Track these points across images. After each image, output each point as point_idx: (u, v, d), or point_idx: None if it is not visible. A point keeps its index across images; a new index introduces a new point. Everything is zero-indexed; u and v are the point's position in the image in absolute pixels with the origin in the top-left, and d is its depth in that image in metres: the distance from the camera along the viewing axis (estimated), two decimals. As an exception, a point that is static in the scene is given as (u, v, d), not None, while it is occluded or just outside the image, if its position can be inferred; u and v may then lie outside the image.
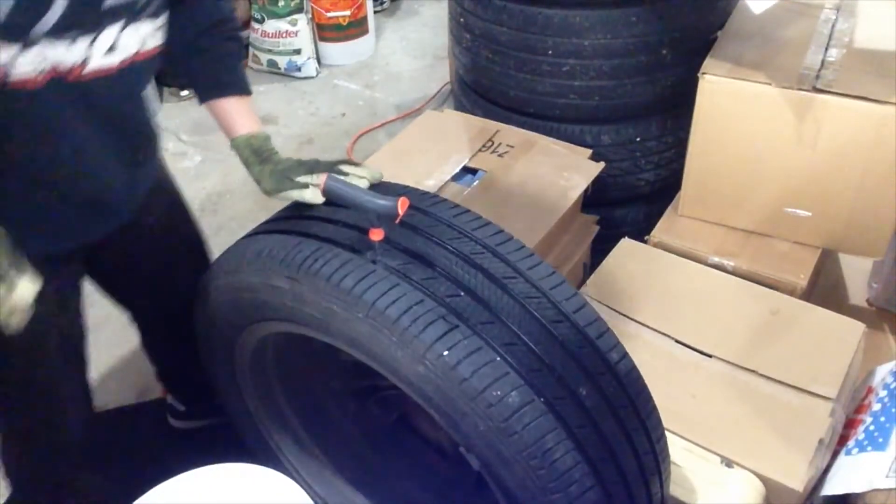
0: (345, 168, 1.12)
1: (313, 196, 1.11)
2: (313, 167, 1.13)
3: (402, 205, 0.96)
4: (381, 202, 0.97)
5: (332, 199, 1.02)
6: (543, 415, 0.89)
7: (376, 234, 0.98)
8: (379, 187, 1.13)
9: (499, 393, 0.88)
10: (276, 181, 1.14)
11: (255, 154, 1.18)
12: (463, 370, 0.89)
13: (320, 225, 1.07)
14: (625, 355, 0.99)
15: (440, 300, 0.93)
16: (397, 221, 0.98)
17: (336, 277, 0.95)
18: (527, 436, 0.88)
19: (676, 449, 1.25)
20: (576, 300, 0.99)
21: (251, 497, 1.07)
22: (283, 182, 1.13)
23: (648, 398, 1.00)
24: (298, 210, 1.13)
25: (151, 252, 1.37)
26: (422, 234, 1.02)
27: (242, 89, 1.22)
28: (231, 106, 1.21)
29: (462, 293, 0.95)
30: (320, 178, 1.09)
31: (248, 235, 1.15)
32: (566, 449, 0.89)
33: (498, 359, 0.90)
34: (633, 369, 0.99)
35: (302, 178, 1.12)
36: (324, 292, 0.97)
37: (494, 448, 0.91)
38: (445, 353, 0.89)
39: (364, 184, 1.10)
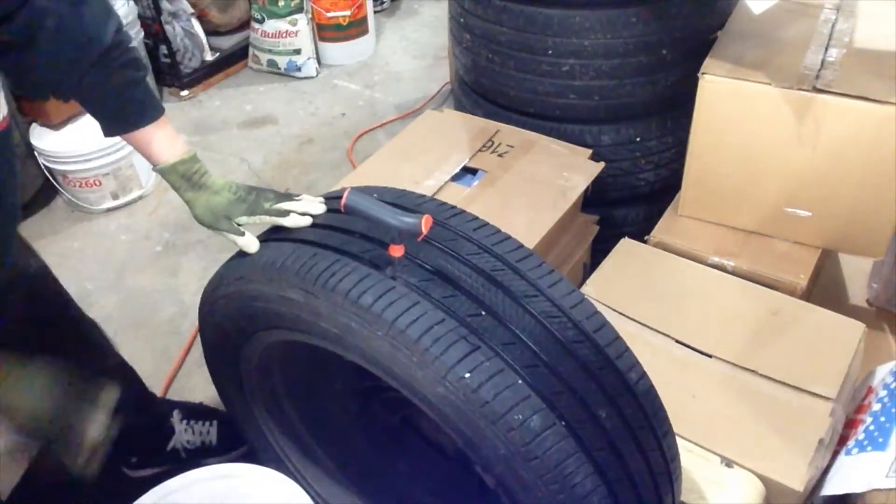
0: (287, 206, 1.09)
1: (247, 243, 1.08)
2: (254, 208, 1.09)
3: (425, 223, 0.93)
4: (406, 220, 0.94)
5: (353, 214, 0.99)
6: (565, 439, 0.88)
7: (397, 251, 0.95)
8: (395, 196, 1.10)
9: (520, 417, 0.86)
10: (213, 217, 1.10)
11: (184, 179, 1.11)
12: (485, 393, 0.87)
13: (337, 236, 1.04)
14: (643, 375, 0.97)
15: (461, 320, 0.91)
16: (420, 239, 0.95)
17: (354, 293, 0.93)
18: (548, 460, 0.87)
19: (676, 449, 1.26)
20: (596, 319, 0.98)
21: (252, 497, 1.07)
22: (220, 221, 1.10)
23: (665, 418, 0.99)
24: (313, 218, 1.11)
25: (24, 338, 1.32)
26: (441, 249, 0.99)
27: (152, 116, 1.09)
28: (144, 136, 1.09)
29: (483, 312, 0.93)
30: (261, 220, 1.08)
31: (260, 241, 1.11)
32: (586, 473, 0.88)
33: (520, 381, 0.88)
34: (651, 388, 0.98)
35: (242, 219, 1.09)
36: (341, 308, 0.95)
37: (514, 471, 0.90)
38: (467, 375, 0.87)
39: (307, 220, 1.07)
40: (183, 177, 1.11)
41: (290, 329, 1.10)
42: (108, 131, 1.11)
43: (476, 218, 1.06)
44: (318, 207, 1.10)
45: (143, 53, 3.01)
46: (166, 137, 1.10)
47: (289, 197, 1.12)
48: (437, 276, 0.96)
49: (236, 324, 1.19)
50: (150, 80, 1.19)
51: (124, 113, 1.08)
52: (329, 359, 1.38)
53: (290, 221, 1.08)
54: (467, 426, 0.91)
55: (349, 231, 1.04)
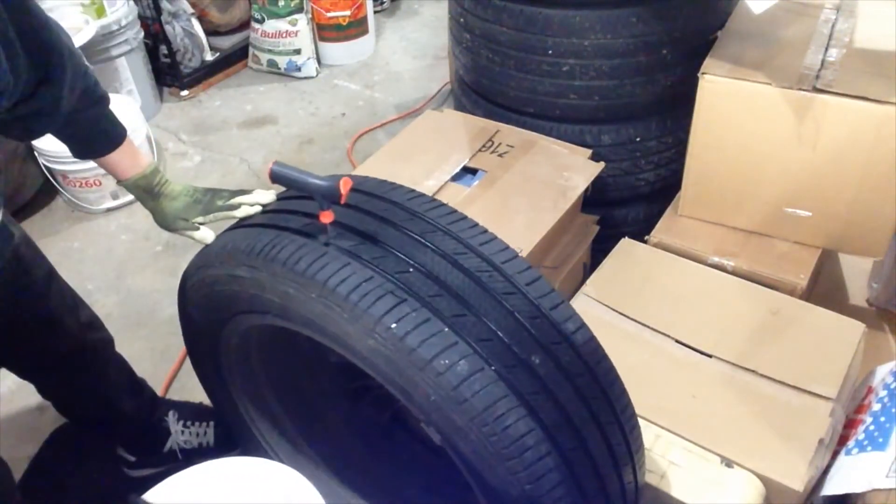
0: (239, 199, 1.18)
1: (203, 236, 1.17)
2: (209, 207, 1.19)
3: (343, 185, 0.99)
4: (322, 182, 1.00)
5: (278, 183, 1.05)
6: (493, 382, 0.90)
7: (326, 217, 1.01)
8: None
9: (447, 362, 0.90)
10: (171, 221, 1.21)
11: (146, 192, 1.21)
12: (411, 341, 0.91)
13: (280, 216, 1.11)
14: (581, 326, 1.00)
15: (389, 276, 0.96)
16: (342, 202, 1.01)
17: (291, 261, 0.99)
18: (477, 403, 0.89)
19: (676, 449, 1.26)
20: (529, 273, 1.01)
21: (261, 491, 1.07)
22: (176, 222, 1.20)
23: (609, 368, 1.01)
24: (265, 204, 1.19)
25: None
26: (375, 217, 1.06)
27: (116, 142, 1.18)
28: (109, 158, 1.19)
29: (411, 269, 0.97)
30: (215, 217, 1.18)
31: (221, 233, 1.19)
32: (518, 415, 0.90)
33: (446, 329, 0.92)
34: (591, 340, 1.00)
35: (198, 220, 1.19)
36: (280, 276, 1.01)
37: (447, 417, 0.93)
38: (394, 325, 0.91)
39: (256, 209, 1.17)
40: (144, 190, 1.21)
41: (245, 312, 1.15)
42: (78, 156, 1.20)
43: (412, 190, 1.12)
44: (268, 197, 1.19)
45: (143, 53, 3.01)
46: (128, 156, 1.20)
47: (243, 192, 1.20)
48: (369, 241, 1.01)
49: (205, 314, 1.24)
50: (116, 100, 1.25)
51: (92, 143, 1.18)
52: (313, 360, 1.39)
53: (241, 212, 1.17)
54: (399, 376, 0.95)
55: (291, 211, 1.11)
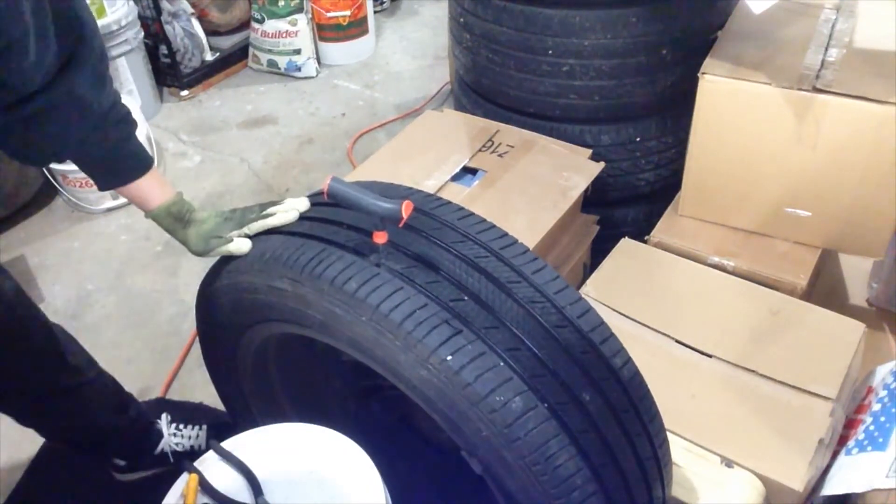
0: (270, 210, 1.12)
1: (239, 246, 1.10)
2: (242, 221, 1.12)
3: (405, 208, 0.95)
4: (386, 205, 0.96)
5: (335, 201, 1.01)
6: (546, 420, 0.88)
7: (380, 237, 0.97)
8: (382, 189, 1.12)
9: (502, 398, 0.87)
10: (204, 243, 1.14)
11: (177, 220, 1.15)
12: (466, 375, 0.88)
13: (324, 227, 1.06)
14: (628, 360, 0.98)
15: (444, 304, 0.92)
16: (401, 225, 0.97)
17: (339, 280, 0.95)
18: (529, 441, 0.88)
19: (676, 449, 1.25)
20: (580, 305, 0.99)
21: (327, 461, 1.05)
22: (209, 242, 1.13)
23: (651, 403, 1.00)
24: (302, 212, 1.13)
25: None
26: (426, 237, 1.01)
27: (142, 169, 1.12)
28: (139, 185, 1.12)
29: (466, 297, 0.94)
30: (250, 230, 1.11)
31: (255, 238, 1.13)
32: (569, 455, 0.89)
33: (501, 364, 0.89)
34: (637, 374, 0.98)
35: (233, 234, 1.12)
36: (327, 295, 0.97)
37: (497, 453, 0.91)
38: (449, 357, 0.88)
39: (294, 215, 1.10)
40: (176, 218, 1.15)
41: (280, 321, 1.11)
42: (105, 186, 1.13)
43: (462, 208, 1.08)
44: (303, 204, 1.13)
45: (143, 53, 3.01)
46: (158, 184, 1.14)
47: (272, 204, 1.14)
48: (421, 263, 0.98)
49: (230, 318, 1.20)
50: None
51: (120, 168, 1.11)
52: (326, 358, 1.38)
53: (277, 219, 1.11)
54: (450, 409, 0.92)
55: (336, 222, 1.06)
